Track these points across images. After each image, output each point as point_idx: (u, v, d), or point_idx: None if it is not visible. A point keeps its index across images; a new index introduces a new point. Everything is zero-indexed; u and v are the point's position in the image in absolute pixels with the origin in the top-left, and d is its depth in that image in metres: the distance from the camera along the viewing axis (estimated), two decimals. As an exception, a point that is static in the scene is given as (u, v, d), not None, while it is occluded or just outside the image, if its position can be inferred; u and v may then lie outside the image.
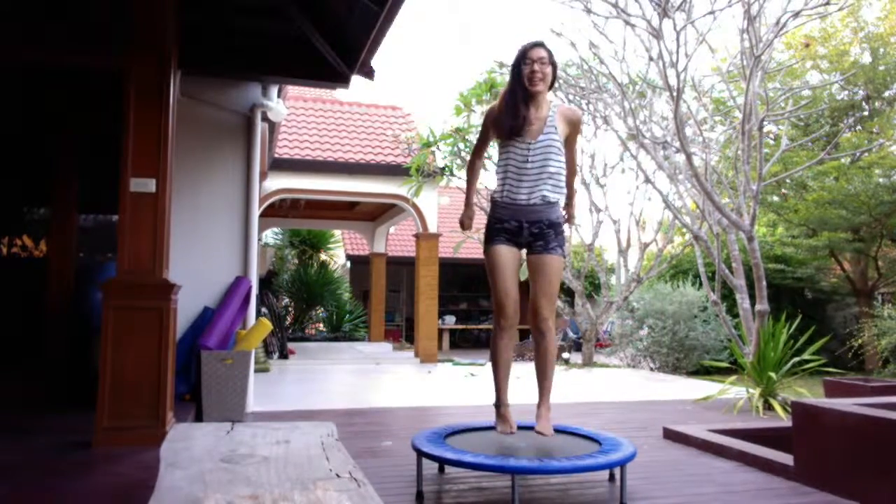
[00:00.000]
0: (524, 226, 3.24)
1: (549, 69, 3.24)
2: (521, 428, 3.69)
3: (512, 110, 3.23)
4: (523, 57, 3.23)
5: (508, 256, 3.25)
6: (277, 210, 12.48)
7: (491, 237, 3.29)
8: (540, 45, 3.27)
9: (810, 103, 10.87)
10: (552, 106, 3.29)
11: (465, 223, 3.51)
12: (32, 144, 5.53)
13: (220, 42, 5.18)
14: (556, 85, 9.17)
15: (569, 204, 3.58)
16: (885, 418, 3.15)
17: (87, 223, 5.67)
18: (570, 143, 3.38)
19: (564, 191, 3.36)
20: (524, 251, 3.36)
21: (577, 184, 3.60)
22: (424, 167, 10.31)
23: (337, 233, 17.16)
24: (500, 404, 3.37)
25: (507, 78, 3.37)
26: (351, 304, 16.01)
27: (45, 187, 5.48)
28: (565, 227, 3.48)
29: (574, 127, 3.35)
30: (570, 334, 14.66)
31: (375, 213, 13.89)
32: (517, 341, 15.09)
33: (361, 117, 12.18)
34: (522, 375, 9.12)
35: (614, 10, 7.03)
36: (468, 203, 3.54)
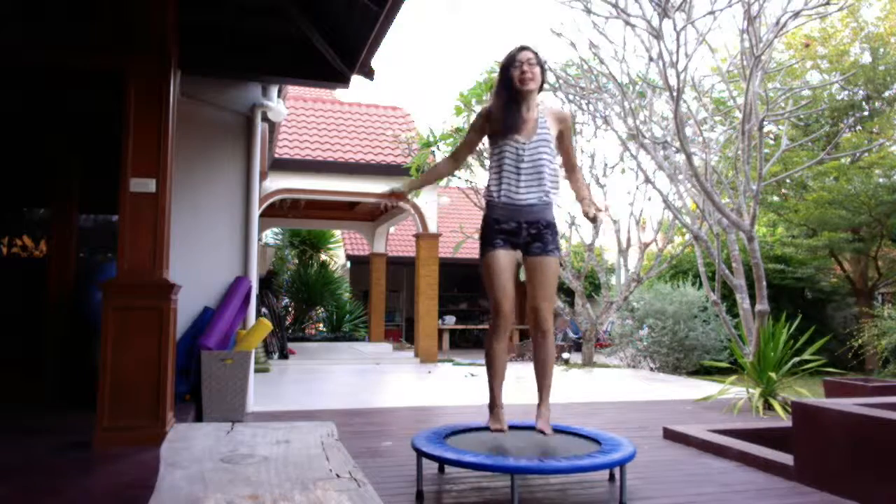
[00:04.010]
0: (523, 226, 3.24)
1: (537, 69, 3.29)
2: (521, 428, 3.69)
3: (508, 109, 3.27)
4: (512, 61, 3.29)
5: (506, 259, 3.26)
6: (277, 210, 12.48)
7: (489, 240, 3.28)
8: (526, 48, 3.33)
9: (810, 103, 10.87)
10: (540, 108, 3.34)
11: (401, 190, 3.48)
12: (32, 144, 5.53)
13: (220, 42, 5.18)
14: (557, 85, 9.21)
15: (584, 199, 3.48)
16: (885, 418, 3.15)
17: (87, 223, 5.66)
18: (564, 140, 3.40)
19: (558, 190, 3.36)
20: (519, 252, 3.36)
21: (581, 178, 3.56)
22: (424, 167, 10.31)
23: (337, 233, 17.16)
24: (493, 405, 3.36)
25: (502, 61, 3.37)
26: (351, 304, 16.00)
27: (45, 187, 5.47)
28: (598, 218, 3.45)
29: (564, 124, 3.39)
30: (570, 334, 14.65)
31: (375, 213, 13.89)
32: (517, 342, 15.10)
33: (361, 117, 12.18)
34: (524, 376, 9.13)
35: (614, 10, 7.02)
36: (421, 181, 3.60)
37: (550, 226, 3.27)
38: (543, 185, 3.24)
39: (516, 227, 3.24)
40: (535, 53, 3.31)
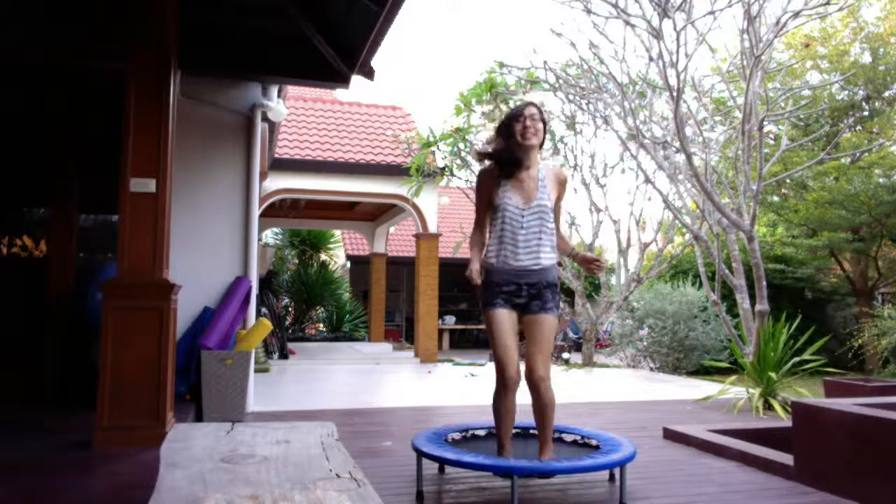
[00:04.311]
0: (523, 287, 3.27)
1: (540, 125, 3.34)
2: (520, 427, 3.70)
3: (508, 156, 3.30)
4: (517, 115, 3.34)
5: (508, 318, 3.27)
6: (277, 210, 12.48)
7: (490, 300, 3.30)
8: (532, 104, 3.40)
9: (810, 103, 10.86)
10: (541, 167, 3.36)
11: (473, 275, 3.33)
12: (32, 144, 5.53)
13: (220, 42, 5.18)
14: (557, 85, 9.20)
15: (575, 253, 3.46)
16: (885, 418, 3.15)
17: (87, 223, 5.66)
18: (557, 203, 3.41)
19: (556, 254, 3.37)
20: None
21: (566, 244, 3.55)
22: (424, 167, 10.31)
23: (337, 233, 17.16)
24: (501, 450, 3.34)
25: (505, 114, 3.45)
26: (351, 304, 16.00)
27: (45, 187, 5.48)
28: (602, 265, 3.43)
29: (562, 187, 3.42)
30: (570, 334, 14.65)
31: (375, 213, 13.90)
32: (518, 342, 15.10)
33: (361, 117, 12.18)
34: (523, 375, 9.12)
35: (614, 10, 7.02)
36: (473, 262, 3.35)
37: (550, 285, 3.29)
38: (542, 249, 3.27)
39: (516, 289, 3.27)
40: (540, 110, 3.38)
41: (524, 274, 3.25)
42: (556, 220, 3.43)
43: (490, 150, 3.43)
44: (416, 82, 56.29)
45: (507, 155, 3.31)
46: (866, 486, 3.17)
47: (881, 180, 10.90)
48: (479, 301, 3.38)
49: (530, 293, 3.27)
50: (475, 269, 3.26)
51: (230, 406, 4.86)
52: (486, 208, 3.41)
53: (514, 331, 3.30)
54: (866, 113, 12.13)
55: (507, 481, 3.10)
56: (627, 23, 7.06)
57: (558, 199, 3.41)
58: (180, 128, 4.33)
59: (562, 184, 3.41)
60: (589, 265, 3.36)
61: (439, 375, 9.10)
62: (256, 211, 5.61)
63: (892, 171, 11.04)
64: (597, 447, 3.44)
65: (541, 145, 3.39)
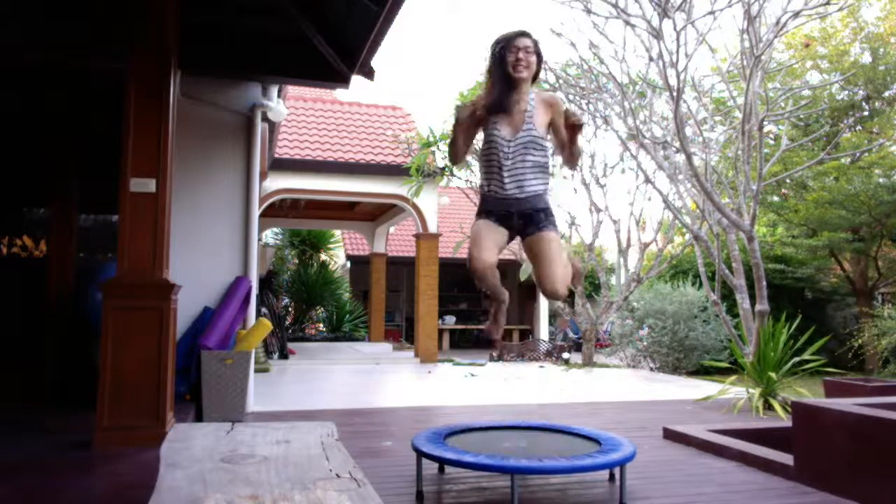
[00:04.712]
0: (513, 214, 3.20)
1: (533, 58, 3.20)
2: (521, 428, 3.70)
3: (497, 88, 3.18)
4: (508, 44, 3.18)
5: (491, 227, 3.17)
6: (277, 210, 12.48)
7: (477, 218, 3.25)
8: (525, 34, 3.23)
9: (810, 103, 10.87)
10: (530, 98, 3.24)
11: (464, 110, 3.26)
12: (32, 144, 5.53)
13: (220, 42, 5.18)
14: (557, 85, 9.20)
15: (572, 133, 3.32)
16: (885, 418, 3.15)
17: (87, 223, 5.66)
18: (555, 122, 3.27)
19: (548, 182, 3.29)
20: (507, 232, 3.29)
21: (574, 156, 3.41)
22: (424, 167, 10.31)
23: (337, 233, 17.16)
24: (496, 299, 3.25)
25: (494, 42, 3.22)
26: (351, 304, 16.00)
27: (45, 187, 5.48)
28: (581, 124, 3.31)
29: (556, 108, 3.26)
30: (570, 334, 14.65)
31: (375, 213, 13.89)
32: (517, 341, 15.09)
33: (361, 117, 12.18)
34: (523, 375, 9.13)
35: (614, 10, 7.02)
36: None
37: (543, 210, 3.20)
38: (530, 179, 3.18)
39: (507, 214, 3.20)
40: (535, 42, 3.23)
41: (513, 202, 3.17)
42: (564, 141, 3.28)
43: (471, 105, 3.26)
44: (416, 82, 56.28)
45: (493, 102, 3.17)
46: (866, 486, 3.17)
47: (881, 180, 10.90)
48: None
49: (522, 217, 3.18)
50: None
51: (230, 406, 4.86)
52: (468, 128, 3.27)
53: (495, 235, 3.18)
54: (866, 113, 12.13)
55: (507, 481, 3.10)
56: (627, 23, 7.06)
57: (556, 118, 3.26)
58: (180, 128, 4.33)
59: (552, 105, 3.25)
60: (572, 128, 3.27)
61: (439, 375, 9.10)
62: (256, 211, 5.61)
63: (892, 171, 11.04)
64: (597, 447, 3.44)
65: (534, 79, 3.24)
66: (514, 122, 3.19)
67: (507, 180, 3.18)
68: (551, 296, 3.15)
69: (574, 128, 3.27)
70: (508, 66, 3.16)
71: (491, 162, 3.22)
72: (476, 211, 3.33)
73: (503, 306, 3.31)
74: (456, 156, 3.35)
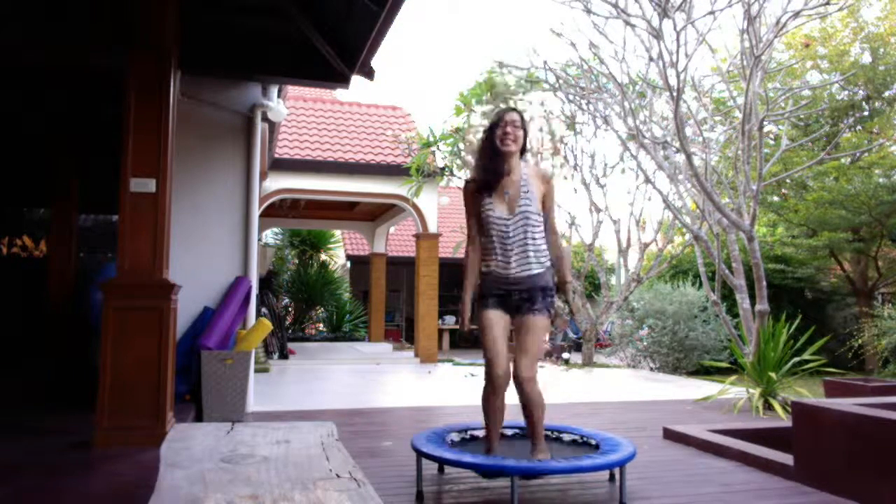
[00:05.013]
0: (513, 293, 3.29)
1: (520, 132, 3.33)
2: (521, 428, 3.69)
3: (489, 166, 3.32)
4: (498, 121, 3.34)
5: (498, 320, 3.30)
6: (277, 210, 12.48)
7: (482, 302, 3.35)
8: (514, 110, 3.41)
9: (810, 103, 10.86)
10: (523, 170, 3.35)
11: (464, 329, 3.44)
12: (32, 144, 5.53)
13: (220, 42, 5.18)
14: (557, 85, 9.20)
15: (559, 268, 3.45)
16: (885, 418, 3.15)
17: (87, 223, 5.67)
18: (546, 201, 3.39)
19: (548, 258, 3.35)
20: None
21: (558, 240, 3.51)
22: (424, 167, 10.31)
23: (337, 233, 17.16)
24: (489, 449, 3.33)
25: (497, 120, 3.36)
26: (351, 304, 16.00)
27: (45, 187, 5.48)
28: (567, 289, 3.47)
29: (547, 185, 3.39)
30: (570, 334, 14.65)
31: (375, 213, 13.89)
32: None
33: (361, 117, 12.18)
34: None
35: (614, 11, 7.02)
36: (464, 305, 3.43)
37: (542, 289, 3.29)
38: (532, 257, 3.27)
39: (507, 293, 3.30)
40: (521, 117, 3.38)
41: (514, 282, 3.28)
42: (549, 219, 3.41)
43: (473, 177, 3.43)
44: (416, 82, 56.28)
45: (483, 172, 3.32)
46: (866, 486, 3.17)
47: (881, 180, 10.89)
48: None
49: (521, 297, 3.28)
50: (466, 318, 3.39)
51: (230, 406, 4.86)
52: (474, 220, 3.41)
53: (505, 331, 3.31)
54: (866, 113, 12.12)
55: (507, 481, 3.10)
56: (627, 23, 7.06)
57: (546, 196, 3.37)
58: (180, 128, 4.33)
59: (546, 181, 3.38)
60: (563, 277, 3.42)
61: (439, 375, 9.10)
62: (256, 211, 5.61)
63: (892, 171, 11.03)
64: (597, 447, 3.44)
65: (522, 152, 3.38)
66: (510, 198, 3.30)
67: (510, 260, 3.28)
68: (515, 369, 3.25)
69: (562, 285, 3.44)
70: (497, 139, 3.29)
71: (492, 241, 3.31)
72: (480, 292, 3.39)
73: (498, 431, 3.37)
74: (469, 248, 3.46)
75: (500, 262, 3.28)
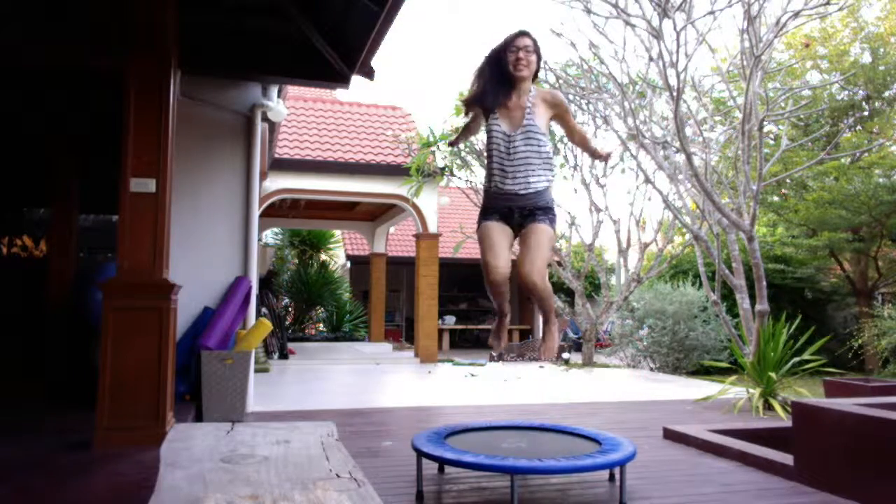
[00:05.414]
0: (514, 210, 3.24)
1: (533, 57, 3.26)
2: (521, 428, 3.70)
3: (494, 87, 3.25)
4: (508, 45, 3.25)
5: (498, 228, 3.23)
6: (277, 210, 12.48)
7: (482, 218, 3.31)
8: (525, 34, 3.30)
9: (810, 103, 10.87)
10: (531, 95, 3.29)
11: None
12: (32, 144, 5.53)
13: (220, 42, 5.18)
14: (557, 85, 9.20)
15: (598, 153, 3.57)
16: (885, 418, 3.15)
17: (87, 223, 5.67)
18: (565, 120, 3.38)
19: (552, 175, 3.31)
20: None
21: (590, 141, 3.61)
22: (424, 167, 10.30)
23: (337, 233, 17.15)
24: (501, 315, 3.33)
25: (496, 44, 3.30)
26: (351, 304, 15.99)
27: (45, 187, 5.48)
28: (608, 157, 3.56)
29: (557, 106, 3.33)
30: (570, 334, 14.65)
31: (375, 213, 13.89)
32: (517, 341, 15.10)
33: (361, 117, 12.18)
34: (523, 375, 9.13)
35: (614, 10, 7.02)
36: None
37: (542, 207, 3.23)
38: (532, 174, 3.21)
39: (508, 211, 3.24)
40: (534, 41, 3.30)
41: (514, 198, 3.21)
42: (577, 130, 3.46)
43: (474, 94, 3.34)
44: (416, 82, 56.29)
45: (490, 89, 3.24)
46: (866, 486, 3.17)
47: (881, 180, 10.89)
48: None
49: (522, 214, 3.23)
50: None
51: (230, 406, 4.86)
52: (471, 124, 3.48)
53: (505, 241, 3.23)
54: (866, 113, 12.13)
55: (507, 481, 3.10)
56: (627, 23, 7.06)
57: (558, 115, 3.34)
58: (180, 128, 4.33)
59: (554, 104, 3.32)
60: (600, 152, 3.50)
61: (439, 375, 9.10)
62: (256, 211, 5.61)
63: (892, 171, 11.03)
64: (597, 447, 3.44)
65: (534, 77, 3.31)
66: (514, 117, 3.24)
67: (508, 175, 3.23)
68: (525, 280, 3.13)
69: (601, 157, 3.51)
70: (509, 64, 3.22)
71: (492, 157, 3.27)
72: (480, 209, 3.38)
73: (506, 320, 3.37)
74: (457, 139, 3.58)
75: (500, 178, 3.23)
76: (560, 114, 3.35)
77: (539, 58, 3.31)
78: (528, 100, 3.26)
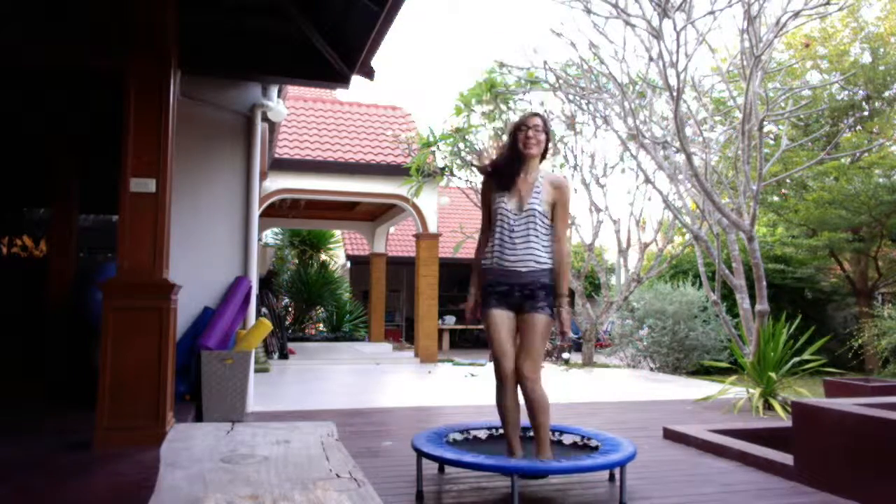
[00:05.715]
0: (514, 287, 3.33)
1: (542, 136, 3.43)
2: (521, 428, 3.69)
3: (507, 167, 3.43)
4: (521, 124, 3.44)
5: (502, 318, 3.34)
6: (277, 210, 12.48)
7: (485, 301, 3.40)
8: (537, 114, 3.50)
9: (810, 103, 10.87)
10: (540, 175, 3.43)
11: (468, 316, 3.57)
12: (32, 144, 5.53)
13: (220, 42, 5.18)
14: (557, 85, 9.20)
15: (558, 291, 3.36)
16: (885, 418, 3.15)
17: (87, 223, 5.67)
18: (558, 209, 3.43)
19: (552, 257, 3.36)
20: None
21: (566, 257, 3.43)
22: (424, 167, 10.31)
23: (337, 233, 17.15)
24: (510, 450, 3.36)
25: (506, 133, 3.52)
26: (351, 304, 15.99)
27: (45, 187, 5.48)
28: (565, 336, 3.51)
29: (560, 192, 3.44)
30: (570, 334, 14.61)
31: (375, 213, 13.89)
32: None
33: (361, 117, 12.18)
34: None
35: (614, 10, 7.02)
36: (470, 296, 3.54)
37: (544, 287, 3.32)
38: (534, 254, 3.31)
39: (508, 290, 3.34)
40: (545, 121, 3.48)
41: (514, 275, 3.32)
42: (556, 228, 3.43)
43: (488, 164, 3.56)
44: (416, 82, 56.30)
45: (502, 168, 3.43)
46: (866, 486, 3.17)
47: (881, 180, 10.90)
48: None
49: (523, 294, 3.32)
50: (469, 305, 3.49)
51: (230, 406, 4.86)
52: (487, 212, 3.53)
53: (510, 329, 3.36)
54: (866, 113, 12.13)
55: (507, 481, 3.10)
56: (627, 23, 7.06)
57: (558, 204, 3.42)
58: (180, 128, 4.33)
59: (558, 188, 3.43)
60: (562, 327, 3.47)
61: (439, 375, 9.10)
62: (256, 211, 5.61)
63: (892, 171, 11.03)
64: (597, 447, 3.44)
65: (543, 156, 3.48)
66: (521, 196, 3.39)
67: (510, 253, 3.34)
68: (518, 370, 3.30)
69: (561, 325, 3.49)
70: (519, 143, 3.41)
71: (497, 234, 3.39)
72: (483, 285, 3.45)
73: (515, 431, 3.40)
74: (485, 233, 3.54)
75: (501, 255, 3.34)
76: (560, 200, 3.44)
77: (549, 138, 3.51)
78: (536, 179, 3.40)
